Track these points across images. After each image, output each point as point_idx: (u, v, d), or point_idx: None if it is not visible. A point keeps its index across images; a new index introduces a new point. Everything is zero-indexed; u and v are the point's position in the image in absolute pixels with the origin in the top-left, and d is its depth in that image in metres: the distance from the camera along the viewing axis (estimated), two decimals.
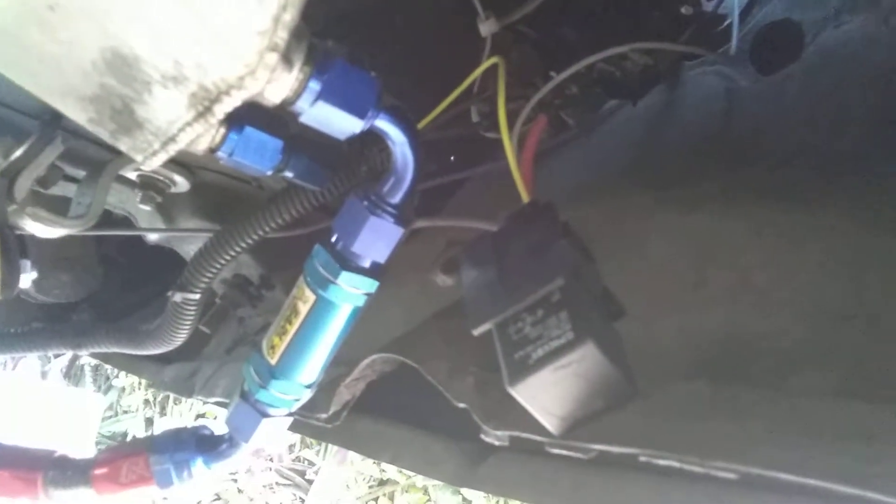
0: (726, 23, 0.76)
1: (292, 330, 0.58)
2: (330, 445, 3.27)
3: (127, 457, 0.70)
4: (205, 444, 0.70)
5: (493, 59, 0.62)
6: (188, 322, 0.77)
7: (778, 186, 0.54)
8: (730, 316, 0.49)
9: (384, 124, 0.52)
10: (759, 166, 0.57)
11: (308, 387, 0.62)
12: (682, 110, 0.71)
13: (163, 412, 3.74)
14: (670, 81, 0.76)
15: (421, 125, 0.69)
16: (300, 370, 0.60)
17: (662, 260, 0.56)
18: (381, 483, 3.34)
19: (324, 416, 0.76)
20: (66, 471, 0.70)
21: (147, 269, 1.55)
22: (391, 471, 3.31)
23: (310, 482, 3.44)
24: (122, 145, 0.50)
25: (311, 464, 3.49)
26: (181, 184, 0.92)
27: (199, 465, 0.69)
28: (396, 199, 0.56)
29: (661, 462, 0.46)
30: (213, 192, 0.95)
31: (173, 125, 0.48)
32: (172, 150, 0.50)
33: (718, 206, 0.55)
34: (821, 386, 0.43)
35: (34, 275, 0.75)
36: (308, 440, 3.43)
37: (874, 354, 0.43)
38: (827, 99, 0.58)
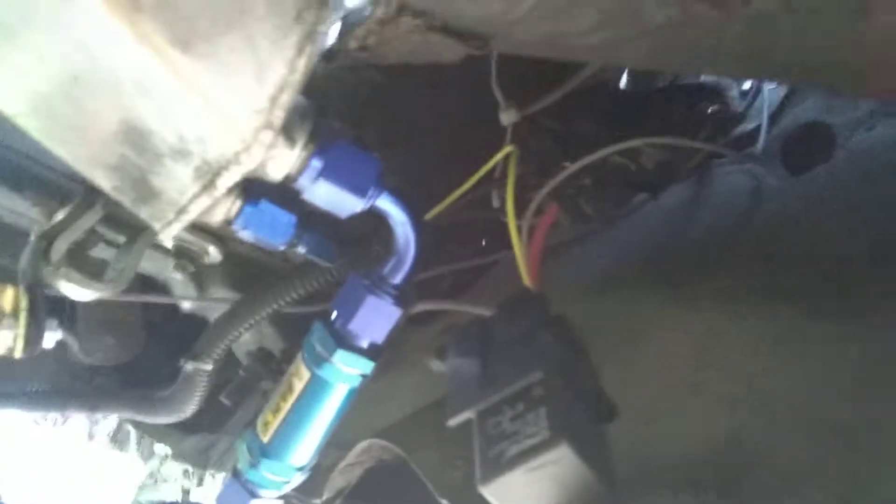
0: (755, 124, 0.75)
1: (286, 407, 0.57)
2: None
3: None
4: None
5: (508, 149, 0.63)
6: (199, 392, 0.77)
7: (789, 289, 0.51)
8: (728, 423, 0.46)
9: (385, 204, 0.52)
10: (775, 267, 0.54)
11: (300, 469, 0.60)
12: (705, 207, 0.69)
13: (200, 483, 3.72)
14: (699, 178, 0.75)
15: (439, 208, 0.69)
16: (292, 451, 0.58)
17: (665, 358, 0.53)
18: None
19: (317, 501, 0.73)
20: None
21: (191, 338, 1.58)
22: None
23: None
24: (143, 213, 0.52)
25: None
26: (214, 254, 0.95)
27: None
28: (397, 279, 0.55)
29: None
30: (243, 263, 0.98)
31: (183, 196, 0.49)
32: (185, 220, 0.51)
33: (726, 306, 0.52)
34: None
35: (59, 334, 0.77)
36: None
37: (874, 474, 0.39)
38: (850, 201, 0.56)
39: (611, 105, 0.71)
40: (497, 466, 0.38)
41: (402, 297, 0.55)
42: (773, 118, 0.74)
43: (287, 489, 0.61)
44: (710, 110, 0.70)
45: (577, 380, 0.43)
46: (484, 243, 1.05)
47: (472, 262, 0.92)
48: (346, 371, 0.56)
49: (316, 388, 0.56)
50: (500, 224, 0.97)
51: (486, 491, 0.38)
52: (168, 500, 3.65)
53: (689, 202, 0.73)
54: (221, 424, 1.25)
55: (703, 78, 0.92)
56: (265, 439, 0.59)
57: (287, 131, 0.47)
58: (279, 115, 0.43)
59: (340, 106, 0.71)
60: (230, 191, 0.55)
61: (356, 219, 0.58)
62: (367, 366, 0.56)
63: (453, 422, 0.42)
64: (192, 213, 0.50)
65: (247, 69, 0.41)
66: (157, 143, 0.46)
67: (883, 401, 0.43)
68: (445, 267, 0.87)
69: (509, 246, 0.95)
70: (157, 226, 0.51)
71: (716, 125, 0.71)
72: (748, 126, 0.75)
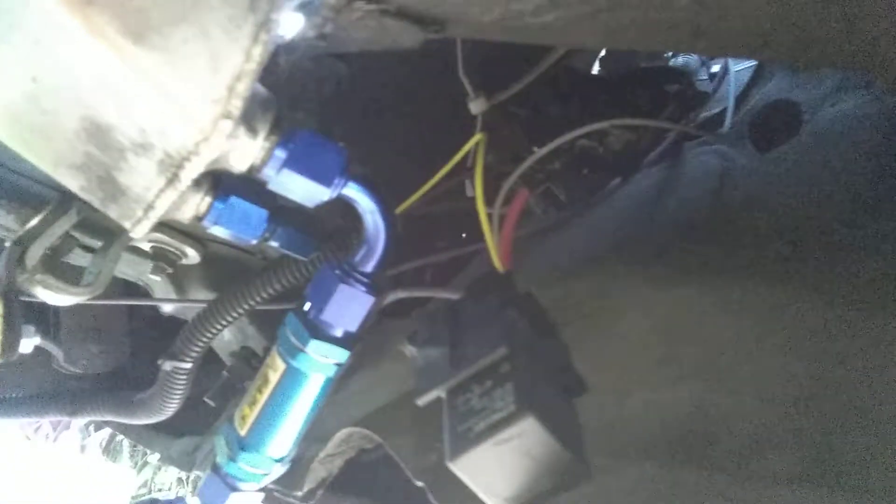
0: (720, 108, 0.76)
1: (262, 399, 0.58)
2: None
3: None
4: None
5: (478, 137, 0.63)
6: (179, 392, 0.77)
7: (752, 263, 0.52)
8: (695, 393, 0.47)
9: (353, 192, 0.52)
10: (744, 244, 0.55)
11: (279, 461, 0.60)
12: (677, 189, 0.70)
13: (195, 491, 3.70)
14: (670, 161, 0.76)
15: (412, 200, 0.70)
16: (269, 442, 0.59)
17: (636, 335, 0.54)
18: None
19: (299, 493, 0.73)
20: None
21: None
22: None
23: None
24: (112, 213, 0.52)
25: None
26: (192, 256, 0.94)
27: None
28: (368, 267, 0.55)
29: None
30: (222, 263, 0.97)
31: (149, 191, 0.49)
32: (153, 216, 0.51)
33: (692, 281, 0.53)
34: (782, 471, 0.39)
35: (37, 340, 0.77)
36: None
37: (837, 438, 0.39)
38: (814, 177, 0.57)
39: (580, 90, 0.72)
40: (465, 442, 0.39)
41: (375, 285, 0.56)
42: (741, 98, 0.74)
43: (266, 481, 0.61)
44: (671, 90, 0.71)
45: (544, 355, 0.43)
46: (464, 235, 1.05)
47: (451, 252, 0.92)
48: (321, 361, 0.56)
49: (291, 378, 0.57)
50: (477, 215, 0.98)
51: (455, 467, 0.39)
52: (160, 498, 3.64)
53: (660, 185, 0.74)
54: (207, 426, 1.24)
55: (672, 62, 0.93)
56: (242, 432, 0.59)
57: (248, 121, 0.47)
58: (237, 105, 0.43)
59: (308, 98, 0.72)
60: (198, 185, 0.55)
61: (337, 211, 0.58)
62: (341, 355, 0.56)
63: (422, 401, 0.42)
64: (160, 209, 0.50)
65: (201, 59, 0.41)
66: (119, 139, 0.46)
67: (846, 368, 0.43)
68: (423, 260, 0.87)
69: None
70: (126, 224, 0.51)
71: (680, 105, 0.72)
72: (719, 107, 0.76)
